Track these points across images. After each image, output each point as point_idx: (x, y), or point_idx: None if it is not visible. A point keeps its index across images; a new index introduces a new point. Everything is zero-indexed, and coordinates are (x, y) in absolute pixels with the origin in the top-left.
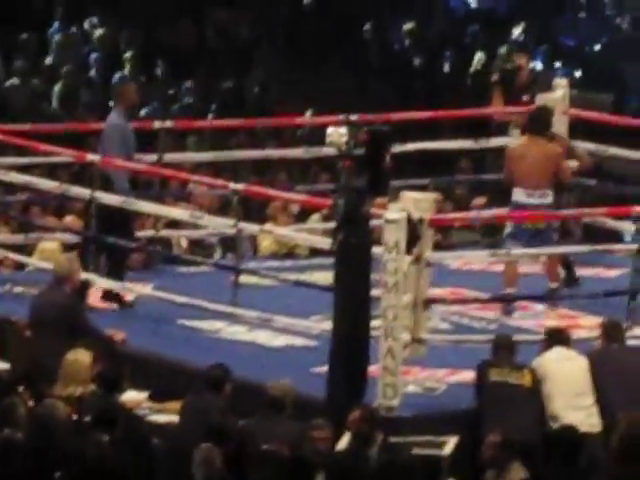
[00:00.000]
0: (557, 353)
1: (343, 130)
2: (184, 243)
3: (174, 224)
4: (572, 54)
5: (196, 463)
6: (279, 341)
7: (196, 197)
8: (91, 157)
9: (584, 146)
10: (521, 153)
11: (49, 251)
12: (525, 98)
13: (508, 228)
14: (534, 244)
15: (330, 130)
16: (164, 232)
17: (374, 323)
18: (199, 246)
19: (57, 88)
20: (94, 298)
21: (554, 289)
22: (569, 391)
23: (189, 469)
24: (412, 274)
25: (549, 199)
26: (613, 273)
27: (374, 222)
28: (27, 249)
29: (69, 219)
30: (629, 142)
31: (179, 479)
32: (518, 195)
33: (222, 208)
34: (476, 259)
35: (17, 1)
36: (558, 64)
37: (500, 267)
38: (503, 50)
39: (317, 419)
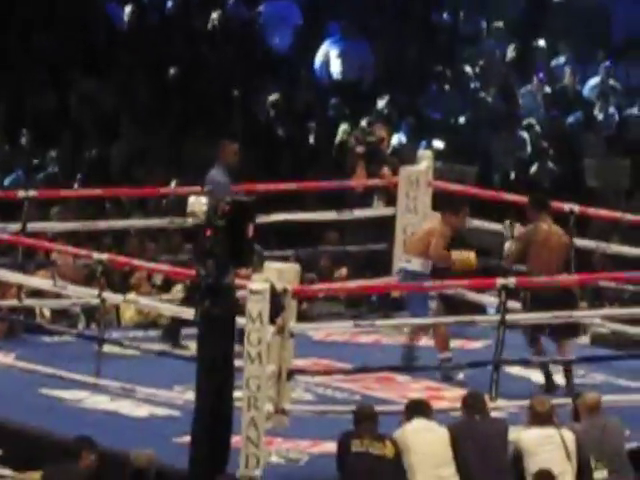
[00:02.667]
0: (417, 424)
1: (204, 200)
2: (47, 313)
3: (37, 293)
4: (437, 127)
5: None
6: (142, 411)
7: (60, 266)
8: None
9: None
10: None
11: None
12: (385, 170)
13: None
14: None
15: (191, 200)
16: (27, 301)
17: (237, 394)
18: (63, 316)
19: None
20: None
21: (444, 359)
22: (430, 462)
23: None
24: (276, 345)
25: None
26: (476, 345)
27: (239, 293)
28: None
29: None
30: (492, 215)
31: None
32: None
33: (86, 278)
34: (340, 330)
35: None
36: (423, 136)
37: (362, 339)
38: (364, 122)
39: None
